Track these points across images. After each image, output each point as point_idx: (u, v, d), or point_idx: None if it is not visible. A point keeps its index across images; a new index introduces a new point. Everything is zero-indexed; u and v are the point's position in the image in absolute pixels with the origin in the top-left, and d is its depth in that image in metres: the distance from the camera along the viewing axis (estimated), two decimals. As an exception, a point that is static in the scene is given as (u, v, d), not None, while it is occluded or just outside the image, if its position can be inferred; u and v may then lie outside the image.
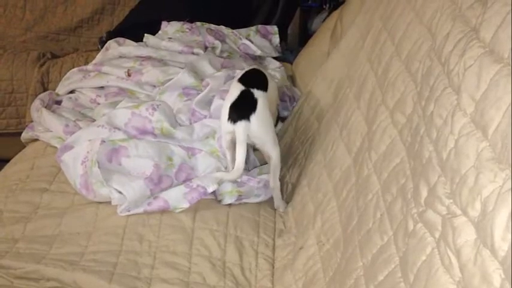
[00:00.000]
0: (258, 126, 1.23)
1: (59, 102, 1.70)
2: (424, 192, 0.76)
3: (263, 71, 1.44)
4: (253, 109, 1.23)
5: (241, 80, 1.32)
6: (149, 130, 1.37)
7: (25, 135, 1.61)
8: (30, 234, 1.19)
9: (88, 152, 1.27)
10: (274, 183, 1.30)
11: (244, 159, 1.23)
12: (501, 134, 0.61)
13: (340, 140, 1.19)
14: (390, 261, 0.80)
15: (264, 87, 1.30)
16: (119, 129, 1.36)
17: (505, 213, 0.55)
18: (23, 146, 1.62)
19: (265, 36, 1.99)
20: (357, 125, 1.13)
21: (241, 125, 1.22)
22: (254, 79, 1.34)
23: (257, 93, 1.26)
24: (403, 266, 0.76)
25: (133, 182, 1.24)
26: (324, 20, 2.30)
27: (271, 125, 1.30)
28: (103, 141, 1.28)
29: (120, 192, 1.23)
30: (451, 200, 0.67)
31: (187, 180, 1.30)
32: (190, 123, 1.45)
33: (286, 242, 1.22)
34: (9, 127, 2.21)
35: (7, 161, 1.54)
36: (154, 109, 1.38)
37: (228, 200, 1.30)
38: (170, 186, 1.28)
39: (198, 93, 1.50)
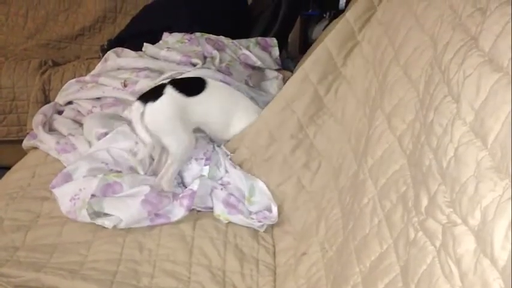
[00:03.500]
0: (150, 116, 1.33)
1: (61, 112, 1.71)
2: (424, 201, 0.76)
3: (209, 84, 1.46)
4: (154, 99, 1.33)
5: (176, 80, 1.46)
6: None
7: (26, 143, 1.62)
8: (30, 243, 1.19)
9: (80, 190, 1.24)
10: (161, 178, 1.34)
11: (146, 145, 1.34)
12: (500, 144, 0.61)
13: (348, 146, 1.19)
14: (391, 270, 0.80)
15: (186, 92, 1.38)
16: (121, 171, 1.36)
17: (504, 223, 0.55)
18: (24, 153, 1.62)
19: (265, 48, 1.99)
20: (362, 130, 1.14)
21: (136, 104, 1.35)
22: (186, 83, 1.47)
23: (170, 91, 1.36)
24: (404, 275, 0.76)
25: (129, 204, 1.23)
26: (324, 28, 2.31)
27: (171, 125, 1.36)
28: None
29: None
30: (451, 209, 0.67)
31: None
32: None
33: (288, 246, 1.22)
34: (10, 134, 2.22)
35: (8, 168, 1.54)
36: None
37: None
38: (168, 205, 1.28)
39: None
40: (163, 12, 2.29)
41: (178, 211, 1.26)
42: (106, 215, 1.23)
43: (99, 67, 1.85)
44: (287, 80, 1.96)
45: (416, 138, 0.86)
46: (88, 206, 1.21)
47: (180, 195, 1.28)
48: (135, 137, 1.39)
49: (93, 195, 1.23)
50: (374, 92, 1.13)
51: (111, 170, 1.34)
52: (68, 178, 1.31)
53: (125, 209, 1.22)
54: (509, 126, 0.60)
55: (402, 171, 0.89)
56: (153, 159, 1.40)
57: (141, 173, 1.35)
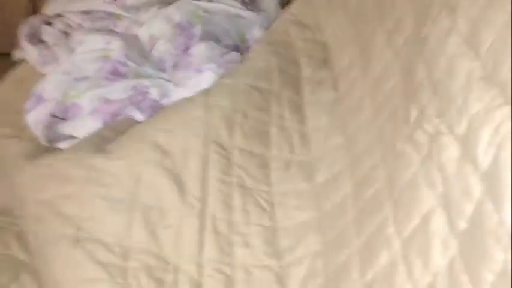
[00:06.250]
0: None
1: (51, 24, 1.67)
2: (414, 113, 0.77)
3: None
4: None
5: None
6: (122, 73, 1.28)
7: (17, 54, 1.59)
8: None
9: (43, 114, 1.17)
10: None
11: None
12: (493, 53, 0.61)
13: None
14: (377, 180, 0.83)
15: None
16: (87, 77, 1.27)
17: (489, 129, 0.56)
18: (14, 65, 1.59)
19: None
20: (349, 42, 1.14)
21: None
22: None
23: None
24: (389, 184, 0.79)
25: (86, 121, 1.16)
26: None
27: None
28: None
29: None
30: (439, 119, 0.68)
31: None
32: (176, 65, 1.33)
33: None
34: (0, 46, 2.17)
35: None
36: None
37: None
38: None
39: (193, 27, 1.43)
40: None
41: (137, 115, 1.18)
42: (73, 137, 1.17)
43: (85, -21, 1.78)
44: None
45: (412, 52, 0.86)
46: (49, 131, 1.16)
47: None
48: (107, 38, 1.34)
49: (55, 116, 1.19)
50: (369, 7, 1.10)
51: (75, 78, 1.26)
52: (39, 99, 1.24)
53: (82, 127, 1.15)
54: (504, 36, 0.60)
55: (397, 87, 0.90)
56: None
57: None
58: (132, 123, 1.12)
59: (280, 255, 0.89)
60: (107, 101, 1.19)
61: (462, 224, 0.59)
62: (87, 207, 0.91)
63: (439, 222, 0.63)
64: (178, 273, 0.86)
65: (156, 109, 1.17)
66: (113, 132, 1.07)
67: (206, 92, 1.11)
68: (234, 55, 1.28)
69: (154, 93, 1.20)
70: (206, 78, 1.19)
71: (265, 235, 0.91)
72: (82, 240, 0.87)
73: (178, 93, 1.19)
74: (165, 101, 1.19)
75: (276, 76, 1.17)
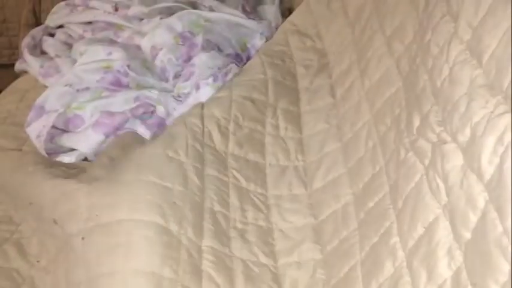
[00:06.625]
0: None
1: (54, 35, 1.67)
2: (416, 121, 0.76)
3: None
4: None
5: None
6: (124, 84, 1.28)
7: (18, 66, 1.59)
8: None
9: (44, 127, 1.16)
10: None
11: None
12: (496, 61, 0.60)
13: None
14: (381, 189, 0.82)
15: None
16: (88, 88, 1.26)
17: (493, 138, 0.55)
18: (16, 77, 1.60)
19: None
20: (347, 45, 1.13)
21: None
22: None
23: None
24: (392, 193, 0.78)
25: (87, 134, 1.15)
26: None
27: None
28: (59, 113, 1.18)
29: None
30: (442, 128, 0.68)
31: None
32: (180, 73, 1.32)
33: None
34: (2, 58, 2.18)
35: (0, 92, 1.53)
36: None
37: None
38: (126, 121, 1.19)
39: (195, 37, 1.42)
40: None
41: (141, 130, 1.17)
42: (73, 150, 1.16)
43: (88, -11, 1.79)
44: (285, 4, 1.91)
45: (413, 59, 0.86)
46: (50, 143, 1.15)
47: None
48: (108, 49, 1.33)
49: (56, 128, 1.17)
50: (368, 13, 1.10)
51: (77, 89, 1.25)
52: (41, 111, 1.23)
53: (83, 140, 1.15)
54: (506, 43, 0.59)
55: (398, 94, 0.89)
56: None
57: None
58: (138, 138, 1.13)
59: (275, 256, 0.88)
60: (109, 114, 1.18)
61: (467, 234, 0.58)
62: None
63: (443, 233, 0.62)
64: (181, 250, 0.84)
65: (162, 127, 1.18)
66: (120, 150, 1.06)
67: (201, 105, 1.13)
68: (234, 68, 1.28)
69: (160, 111, 1.20)
70: (204, 93, 1.19)
71: (261, 234, 0.91)
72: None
73: (180, 111, 1.19)
74: (169, 121, 1.19)
75: (271, 87, 1.17)
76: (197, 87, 1.21)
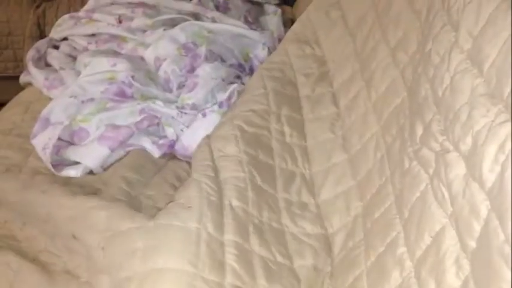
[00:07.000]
0: None
1: (58, 48, 1.69)
2: (419, 131, 0.76)
3: None
4: None
5: None
6: (128, 95, 1.29)
7: (23, 79, 1.60)
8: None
9: (50, 139, 1.17)
10: None
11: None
12: (496, 70, 0.61)
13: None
14: (386, 199, 0.82)
15: None
16: (93, 99, 1.27)
17: (494, 146, 0.56)
18: (21, 89, 1.61)
19: (264, -19, 1.93)
20: (348, 55, 1.14)
21: None
22: None
23: None
24: (398, 203, 0.78)
25: (93, 147, 1.15)
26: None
27: None
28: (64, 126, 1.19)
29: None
30: (445, 137, 0.68)
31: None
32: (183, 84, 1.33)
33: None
34: (7, 70, 2.20)
35: (5, 104, 1.54)
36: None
37: None
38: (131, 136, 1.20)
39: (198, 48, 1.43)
40: None
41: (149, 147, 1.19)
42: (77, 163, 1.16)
43: (92, 2, 1.80)
44: (287, 15, 1.93)
45: (415, 69, 0.86)
46: (55, 156, 1.15)
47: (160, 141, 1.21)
48: (112, 60, 1.34)
49: (61, 140, 1.18)
50: (371, 23, 1.10)
51: (82, 101, 1.27)
52: (47, 123, 1.23)
53: (89, 153, 1.15)
54: (506, 52, 0.60)
55: (403, 104, 0.89)
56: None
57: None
58: (148, 157, 1.15)
59: (291, 257, 0.87)
60: (114, 127, 1.19)
61: (472, 243, 0.58)
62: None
63: (451, 242, 0.62)
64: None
65: (172, 148, 1.20)
66: (135, 173, 1.08)
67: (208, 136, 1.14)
68: (237, 88, 1.27)
69: (169, 133, 1.22)
70: (211, 121, 1.20)
71: (275, 235, 0.90)
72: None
73: (187, 137, 1.20)
74: (178, 145, 1.20)
75: (272, 98, 1.17)
76: (203, 115, 1.22)
